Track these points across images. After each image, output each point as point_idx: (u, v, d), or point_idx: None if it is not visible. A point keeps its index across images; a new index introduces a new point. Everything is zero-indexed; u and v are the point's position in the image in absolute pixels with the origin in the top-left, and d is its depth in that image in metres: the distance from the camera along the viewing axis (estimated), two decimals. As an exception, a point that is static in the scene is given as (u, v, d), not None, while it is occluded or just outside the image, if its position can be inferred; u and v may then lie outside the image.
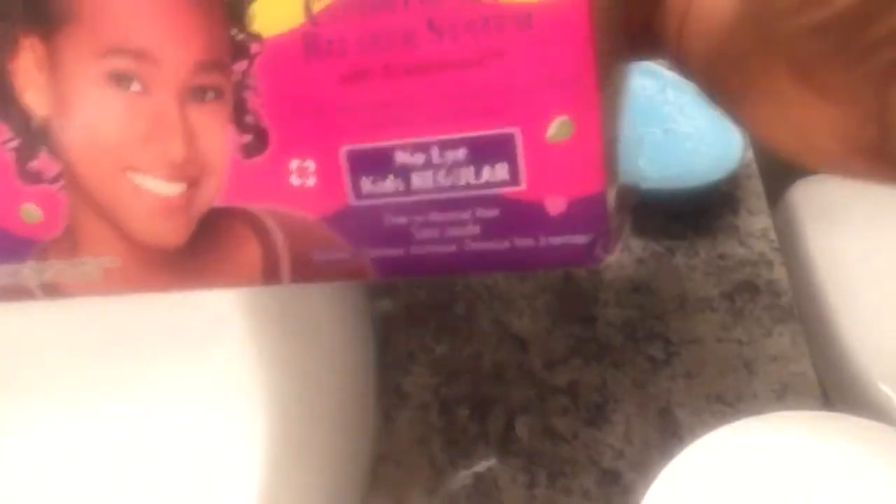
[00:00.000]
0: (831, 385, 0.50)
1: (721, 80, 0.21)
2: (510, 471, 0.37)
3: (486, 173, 0.21)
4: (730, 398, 0.39)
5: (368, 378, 0.39)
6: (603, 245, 0.21)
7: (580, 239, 0.21)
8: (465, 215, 0.21)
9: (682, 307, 0.42)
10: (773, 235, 0.45)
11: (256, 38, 0.21)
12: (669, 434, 0.38)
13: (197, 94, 0.22)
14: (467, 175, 0.21)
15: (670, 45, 0.22)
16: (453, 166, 0.21)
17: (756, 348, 0.40)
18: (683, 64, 0.22)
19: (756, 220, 0.45)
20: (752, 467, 0.27)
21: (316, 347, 0.34)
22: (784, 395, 0.39)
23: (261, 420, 0.31)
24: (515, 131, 0.20)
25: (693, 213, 0.45)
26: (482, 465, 0.38)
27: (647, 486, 0.27)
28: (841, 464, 0.27)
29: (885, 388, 0.48)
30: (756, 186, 0.47)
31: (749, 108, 0.20)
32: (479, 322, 0.42)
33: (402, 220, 0.21)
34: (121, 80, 0.22)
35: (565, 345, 0.41)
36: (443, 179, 0.21)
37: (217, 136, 0.22)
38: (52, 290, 0.24)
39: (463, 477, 0.37)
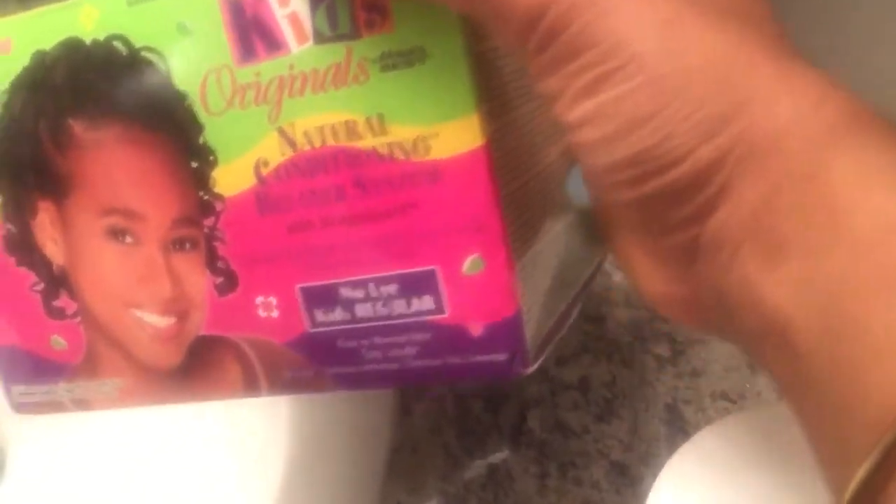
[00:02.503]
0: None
1: (601, 226, 0.24)
2: (523, 462, 0.39)
3: (415, 304, 0.24)
4: (733, 395, 0.40)
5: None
6: (520, 361, 0.23)
7: (500, 357, 0.24)
8: (403, 339, 0.24)
9: (688, 308, 0.43)
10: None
11: (219, 198, 0.25)
12: (675, 429, 0.39)
13: (177, 244, 0.26)
14: (400, 306, 0.24)
15: None
16: (388, 299, 0.24)
17: (759, 348, 0.41)
18: None
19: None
20: (755, 455, 0.28)
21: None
22: (785, 393, 0.39)
23: (285, 411, 0.33)
24: (436, 269, 0.23)
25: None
26: (496, 457, 0.39)
27: (654, 477, 0.29)
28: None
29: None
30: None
31: (613, 252, 0.23)
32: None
33: (352, 343, 0.25)
34: (117, 234, 0.26)
35: (576, 342, 0.42)
36: (381, 310, 0.24)
37: (196, 279, 0.26)
38: (82, 405, 0.29)
39: (477, 467, 0.39)
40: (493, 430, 0.40)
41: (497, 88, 0.23)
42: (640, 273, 0.22)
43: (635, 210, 0.20)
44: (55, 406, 0.29)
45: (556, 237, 0.26)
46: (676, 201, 0.19)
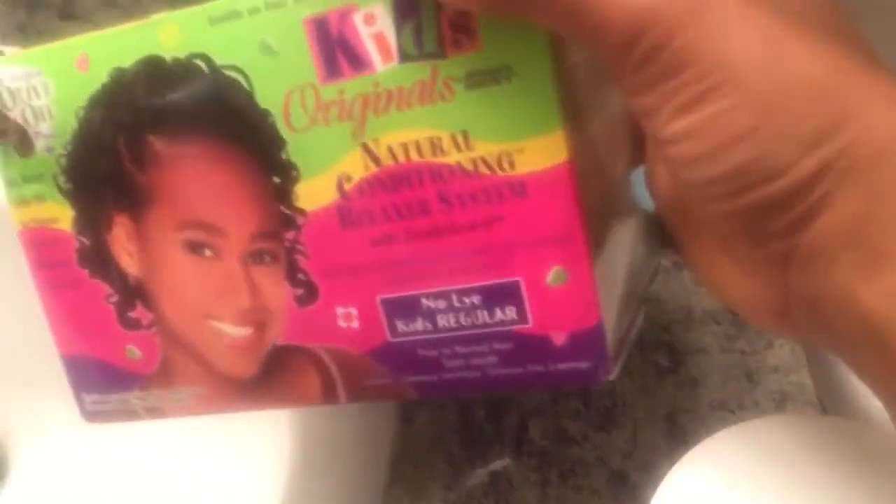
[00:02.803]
0: (827, 394, 0.51)
1: (672, 231, 0.25)
2: (524, 470, 0.39)
3: (498, 314, 0.24)
4: (732, 405, 0.41)
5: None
6: (603, 368, 0.24)
7: (583, 364, 0.24)
8: (484, 348, 0.25)
9: (688, 319, 0.43)
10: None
11: (301, 212, 0.25)
12: (675, 438, 0.40)
13: (256, 257, 0.26)
14: (483, 316, 0.24)
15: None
16: (471, 309, 0.25)
17: (758, 359, 0.42)
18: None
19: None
20: (755, 466, 0.28)
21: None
22: (783, 404, 0.40)
23: (286, 420, 0.34)
24: (519, 280, 0.24)
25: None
26: (497, 465, 0.40)
27: (653, 486, 0.29)
28: (835, 462, 0.28)
29: (875, 399, 0.48)
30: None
31: (688, 258, 0.23)
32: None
33: (432, 352, 0.25)
34: (195, 247, 0.27)
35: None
36: (463, 320, 0.25)
37: (275, 290, 0.26)
38: (156, 413, 0.29)
39: (479, 475, 0.40)
40: (494, 438, 0.40)
41: (577, 105, 0.23)
42: (724, 281, 0.22)
43: (729, 221, 0.21)
44: (128, 414, 0.30)
45: (622, 246, 0.27)
46: (776, 212, 0.20)
